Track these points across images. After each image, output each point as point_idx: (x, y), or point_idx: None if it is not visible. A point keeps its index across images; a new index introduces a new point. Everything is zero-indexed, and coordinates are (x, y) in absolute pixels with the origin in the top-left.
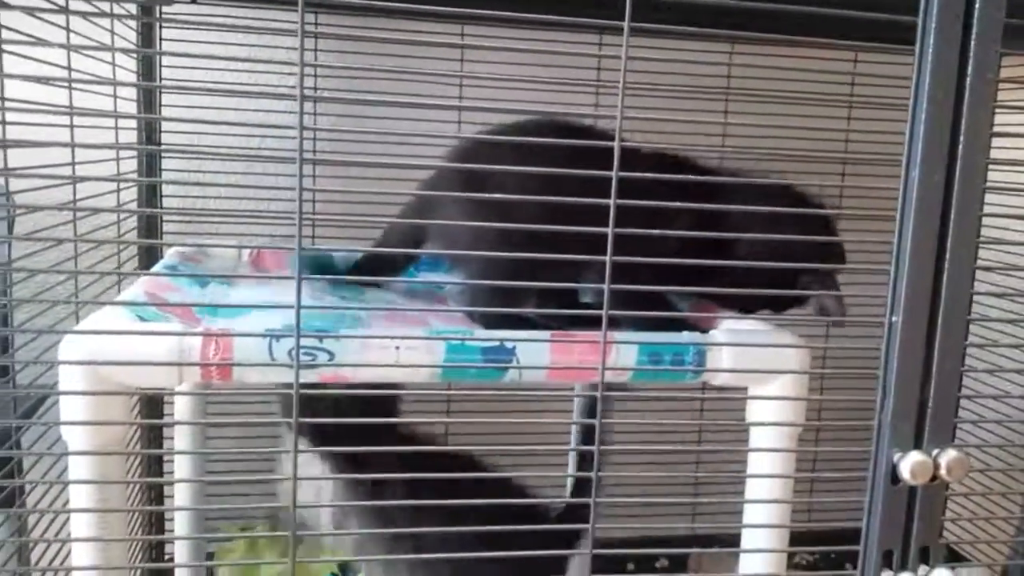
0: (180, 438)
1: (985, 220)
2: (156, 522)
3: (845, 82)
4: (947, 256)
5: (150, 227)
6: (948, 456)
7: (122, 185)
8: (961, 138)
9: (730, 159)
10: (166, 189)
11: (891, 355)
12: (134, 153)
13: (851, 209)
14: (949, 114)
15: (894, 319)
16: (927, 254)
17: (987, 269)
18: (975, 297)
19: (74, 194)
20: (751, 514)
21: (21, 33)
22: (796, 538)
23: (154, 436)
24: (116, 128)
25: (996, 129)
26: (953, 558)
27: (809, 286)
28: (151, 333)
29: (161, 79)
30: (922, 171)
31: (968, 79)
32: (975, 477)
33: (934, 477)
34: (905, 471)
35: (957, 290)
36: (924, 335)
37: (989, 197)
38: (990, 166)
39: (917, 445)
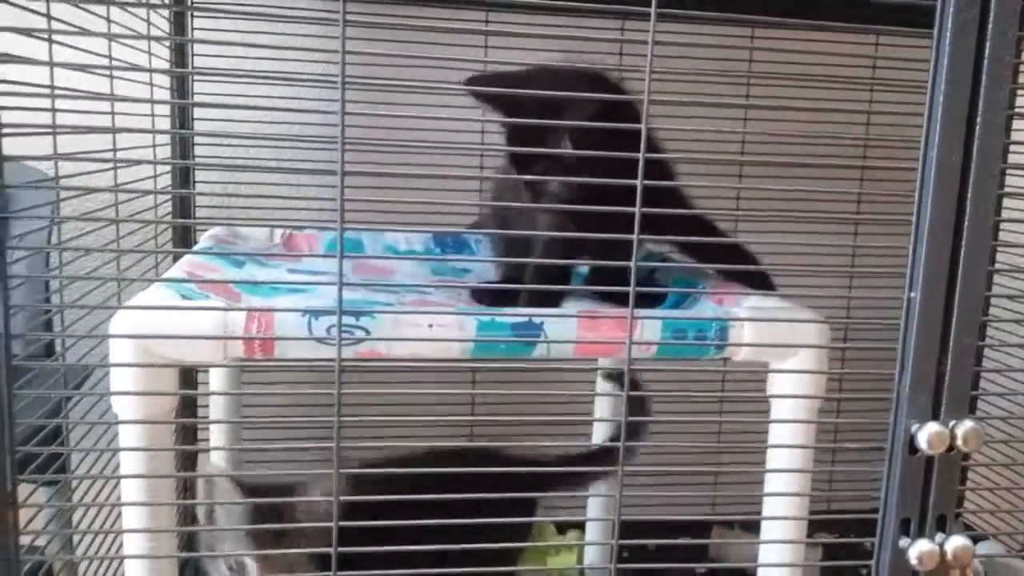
0: (216, 411)
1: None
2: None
3: (867, 65)
4: (964, 234)
5: (184, 209)
6: (964, 427)
7: (158, 170)
8: (978, 119)
9: (752, 143)
10: (199, 174)
11: (909, 329)
12: (168, 139)
13: (872, 190)
14: (967, 96)
15: (912, 295)
16: (945, 232)
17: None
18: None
19: (115, 178)
20: (772, 485)
21: (67, 23)
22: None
23: (188, 414)
24: (152, 115)
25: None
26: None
27: None
28: (198, 308)
29: (193, 66)
30: (940, 152)
31: (985, 62)
32: (998, 448)
33: (950, 447)
34: (922, 441)
35: (974, 267)
36: (942, 310)
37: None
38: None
39: (934, 416)
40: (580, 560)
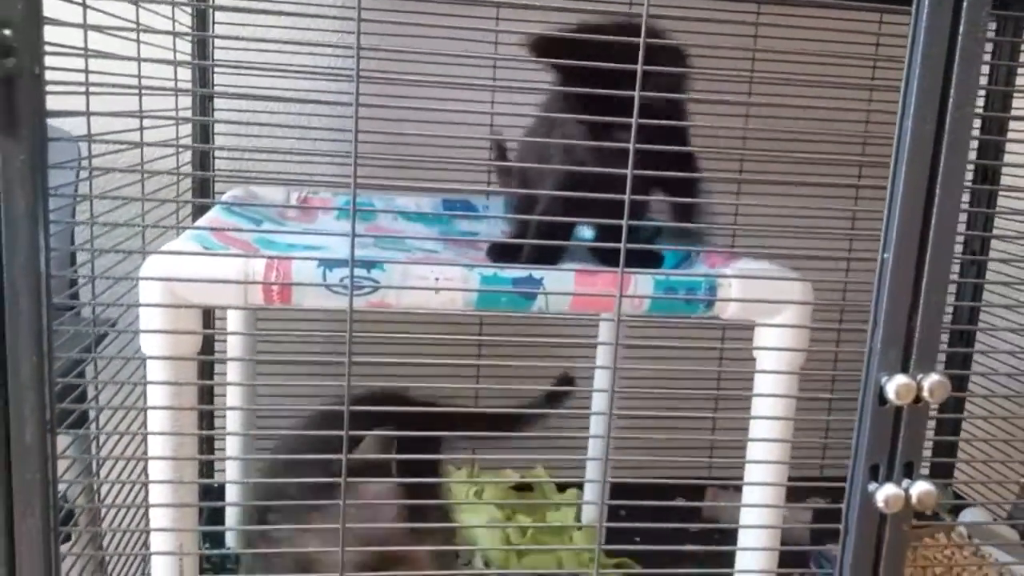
0: (234, 365)
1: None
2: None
3: (870, 42)
4: (936, 200)
5: (204, 168)
6: (931, 380)
7: (180, 132)
8: (952, 92)
9: (756, 116)
10: (218, 139)
11: (882, 288)
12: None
13: (875, 158)
14: (941, 70)
15: (885, 256)
16: (917, 198)
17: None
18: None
19: (141, 136)
20: (756, 443)
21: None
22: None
23: (206, 369)
24: (175, 78)
25: None
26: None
27: None
28: (223, 255)
29: (214, 59)
30: (915, 121)
31: (960, 38)
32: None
33: (918, 399)
34: (891, 392)
35: (944, 230)
36: (913, 271)
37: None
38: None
39: (903, 370)
40: (578, 518)
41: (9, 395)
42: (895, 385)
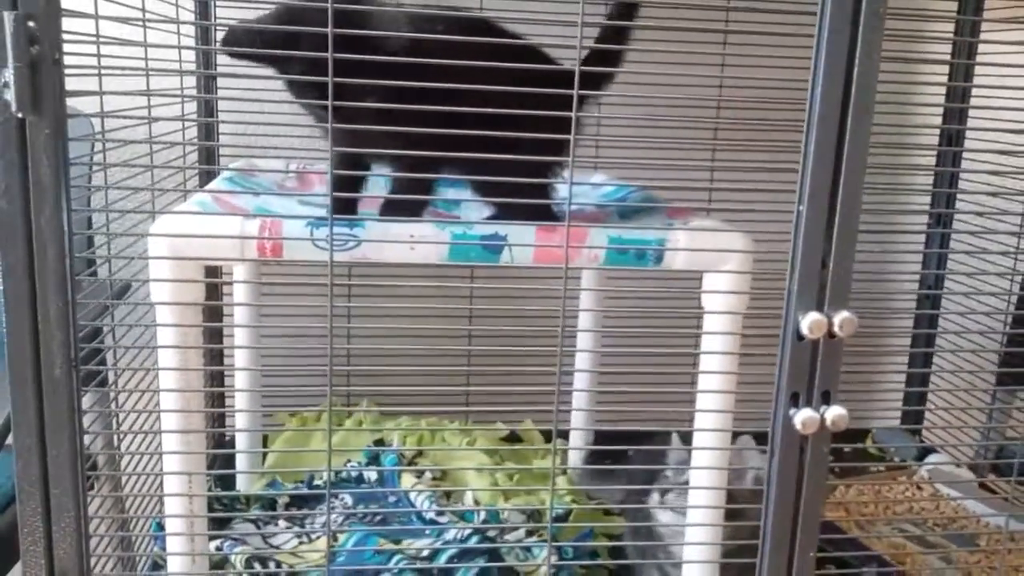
0: (240, 318)
1: None
2: (218, 402)
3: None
4: (844, 158)
5: (209, 152)
6: (840, 316)
7: (187, 124)
8: (856, 60)
9: (730, 74)
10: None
11: (798, 236)
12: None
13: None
14: (846, 40)
15: (801, 208)
16: (828, 156)
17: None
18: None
19: (149, 112)
20: (704, 387)
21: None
22: None
23: (214, 327)
24: (180, 60)
25: None
26: (927, 452)
27: None
28: (220, 214)
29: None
30: (824, 88)
31: (862, 14)
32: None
33: (832, 335)
34: (805, 328)
35: (852, 184)
36: (825, 221)
37: None
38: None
39: (818, 308)
40: (564, 463)
41: (40, 335)
42: (809, 321)
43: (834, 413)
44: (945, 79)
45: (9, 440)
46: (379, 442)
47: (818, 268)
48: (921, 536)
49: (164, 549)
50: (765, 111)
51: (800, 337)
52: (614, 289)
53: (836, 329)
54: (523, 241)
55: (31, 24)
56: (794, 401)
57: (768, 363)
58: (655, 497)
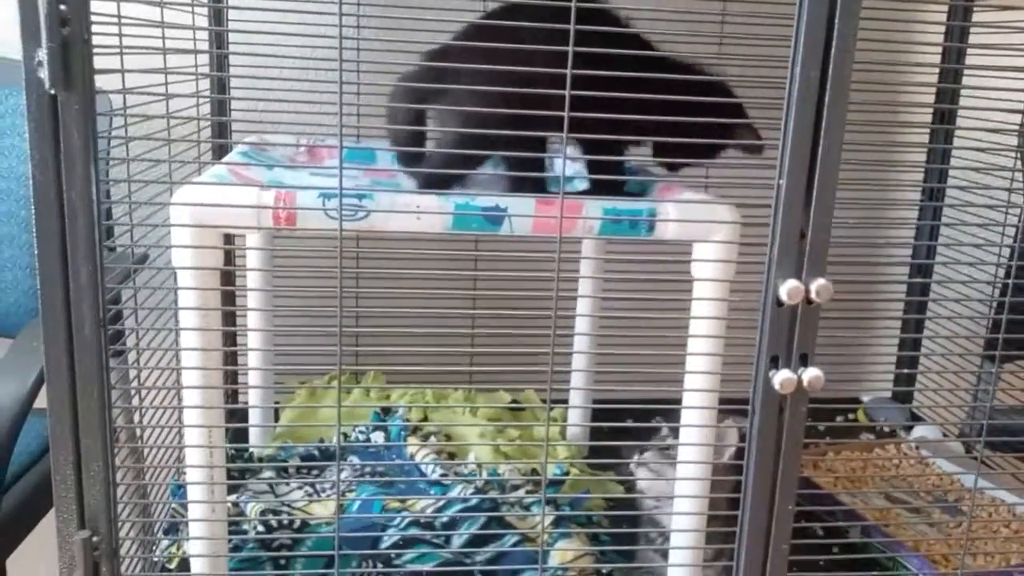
0: (253, 283)
1: None
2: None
3: None
4: (822, 133)
5: (222, 127)
6: (817, 283)
7: (201, 101)
8: (834, 42)
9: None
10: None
11: (779, 208)
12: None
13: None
14: (824, 24)
15: (781, 181)
16: (806, 132)
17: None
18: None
19: (166, 88)
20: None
21: None
22: None
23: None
24: (194, 39)
25: None
26: (915, 419)
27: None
28: (237, 184)
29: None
30: (802, 67)
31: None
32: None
33: (809, 300)
34: (784, 294)
35: (829, 160)
36: (803, 194)
37: None
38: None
39: (796, 275)
40: (563, 434)
41: (71, 296)
42: (787, 288)
43: (810, 375)
44: (937, 59)
45: (37, 404)
46: (386, 411)
47: (797, 238)
48: (905, 501)
49: (184, 506)
50: (751, 88)
51: (779, 303)
52: (611, 258)
53: (813, 295)
54: (522, 211)
55: (63, 7)
56: (774, 363)
57: (751, 327)
58: (648, 456)
